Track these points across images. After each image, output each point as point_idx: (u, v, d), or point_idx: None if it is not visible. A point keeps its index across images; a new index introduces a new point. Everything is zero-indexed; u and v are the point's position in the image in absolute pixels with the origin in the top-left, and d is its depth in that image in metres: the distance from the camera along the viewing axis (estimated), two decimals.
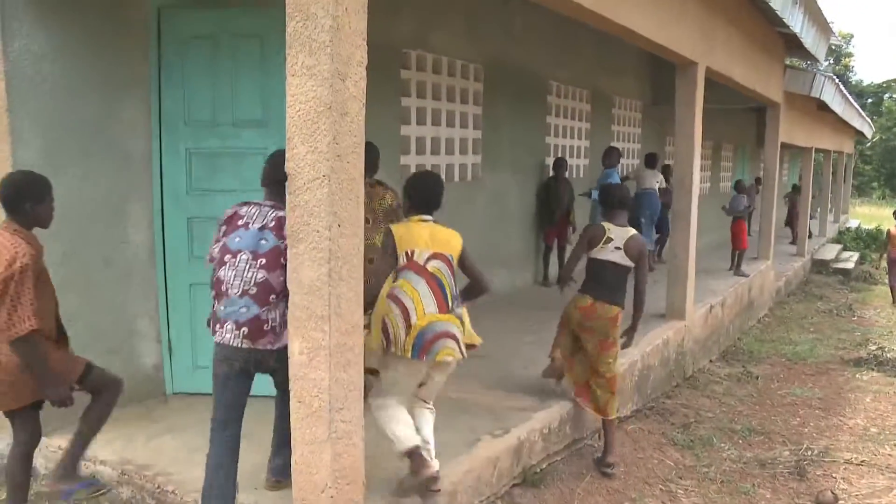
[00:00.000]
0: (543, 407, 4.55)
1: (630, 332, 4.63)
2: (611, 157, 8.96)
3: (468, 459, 3.74)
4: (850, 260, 15.65)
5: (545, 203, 8.67)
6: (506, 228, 8.15)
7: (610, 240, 4.44)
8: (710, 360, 7.55)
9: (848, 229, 21.50)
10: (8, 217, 3.07)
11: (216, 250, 3.16)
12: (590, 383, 4.57)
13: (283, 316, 2.95)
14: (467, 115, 7.32)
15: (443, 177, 6.92)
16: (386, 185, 4.44)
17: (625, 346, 4.68)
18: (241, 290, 3.02)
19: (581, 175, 9.87)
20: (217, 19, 4.36)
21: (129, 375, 3.52)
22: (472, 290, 3.57)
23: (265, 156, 4.33)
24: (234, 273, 3.05)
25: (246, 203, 3.21)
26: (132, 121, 4.23)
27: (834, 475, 4.76)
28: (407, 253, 3.31)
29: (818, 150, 16.76)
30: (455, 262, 3.42)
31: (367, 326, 3.30)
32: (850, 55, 48.45)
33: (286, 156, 2.68)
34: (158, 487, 3.45)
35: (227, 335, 3.05)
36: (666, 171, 10.37)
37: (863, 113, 19.00)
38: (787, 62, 10.85)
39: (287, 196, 2.71)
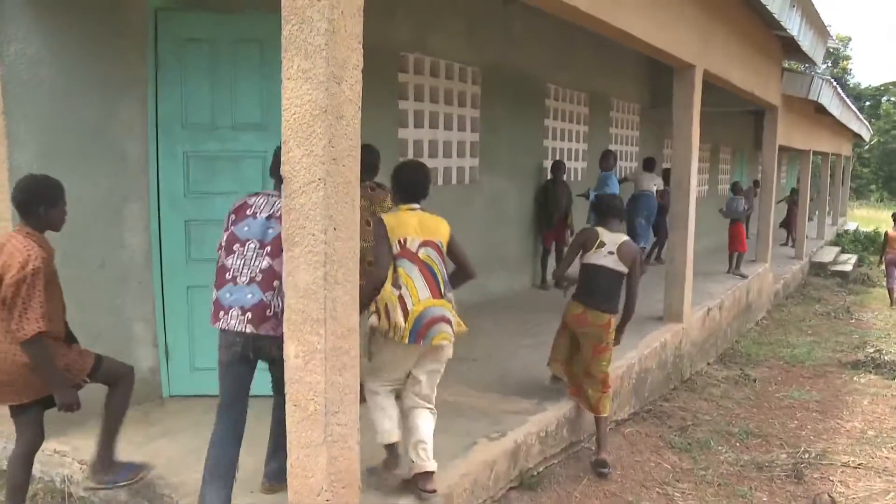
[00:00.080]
0: (540, 410, 4.54)
1: (617, 335, 4.67)
2: (607, 160, 9.13)
3: (464, 463, 3.74)
4: (848, 262, 15.67)
5: (543, 206, 8.68)
6: (504, 231, 8.15)
7: (603, 244, 4.48)
8: (708, 363, 7.55)
9: (846, 232, 21.52)
10: (21, 220, 3.13)
11: (224, 238, 3.22)
12: (582, 384, 4.62)
13: None
14: (465, 119, 7.33)
15: (440, 180, 6.97)
16: (386, 187, 4.44)
17: (613, 344, 4.71)
18: (248, 278, 3.09)
19: (579, 178, 9.88)
20: (215, 23, 4.37)
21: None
22: (459, 276, 3.63)
23: (264, 159, 4.42)
24: (242, 262, 3.12)
25: (255, 194, 3.28)
26: (129, 122, 4.23)
27: (831, 478, 4.76)
28: (400, 241, 3.38)
29: (816, 153, 16.78)
30: (444, 249, 3.50)
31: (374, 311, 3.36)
32: (848, 58, 48.55)
33: (281, 159, 2.68)
34: (154, 491, 3.44)
35: (232, 321, 3.10)
36: (666, 174, 10.40)
37: (860, 116, 19.04)
38: (786, 65, 10.87)
39: (282, 199, 2.71)
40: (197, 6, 4.42)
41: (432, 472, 3.34)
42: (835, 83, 12.77)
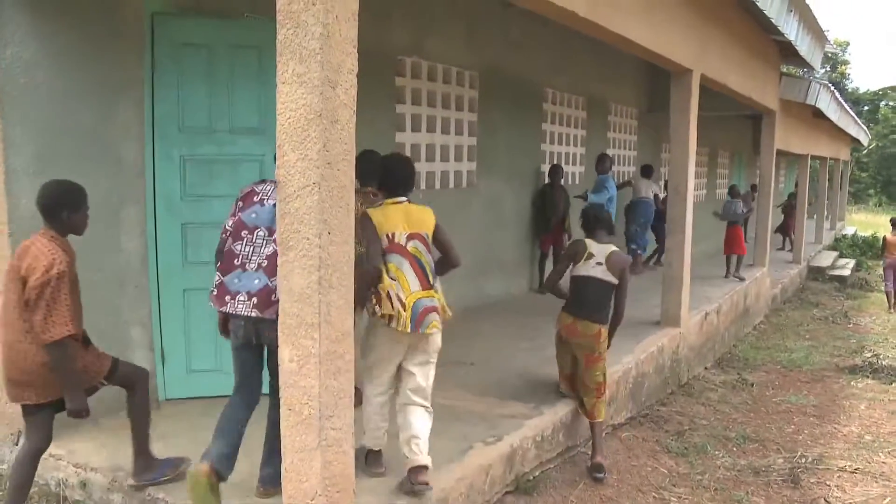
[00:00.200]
0: (537, 414, 4.54)
1: (607, 344, 4.68)
2: (603, 163, 9.18)
3: (460, 467, 3.73)
4: (847, 267, 15.67)
5: (541, 210, 8.68)
6: (501, 235, 8.16)
7: (591, 255, 4.53)
8: (706, 368, 7.55)
9: (844, 236, 21.53)
10: (45, 224, 3.18)
11: (230, 223, 3.32)
12: (578, 388, 4.67)
13: None
14: (462, 122, 7.33)
15: (438, 184, 6.97)
16: None
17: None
18: (256, 264, 3.20)
19: (577, 182, 9.90)
20: (213, 28, 4.40)
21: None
22: (444, 265, 3.69)
23: (261, 162, 4.48)
24: (251, 249, 3.23)
25: (262, 181, 3.38)
26: (126, 125, 4.23)
27: (828, 483, 4.75)
28: (388, 236, 3.45)
29: (814, 158, 16.80)
30: (430, 239, 3.57)
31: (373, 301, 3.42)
32: (846, 63, 48.63)
33: (276, 163, 2.69)
34: (149, 495, 3.44)
35: (239, 306, 3.20)
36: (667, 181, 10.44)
37: (859, 120, 19.06)
38: (784, 70, 10.88)
39: (277, 203, 2.71)
40: (194, 11, 4.43)
41: (425, 466, 3.36)
42: (833, 88, 12.80)
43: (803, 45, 9.16)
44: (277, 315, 3.00)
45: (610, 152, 10.53)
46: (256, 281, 3.17)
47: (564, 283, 4.76)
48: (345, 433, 2.84)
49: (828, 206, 21.19)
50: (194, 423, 4.14)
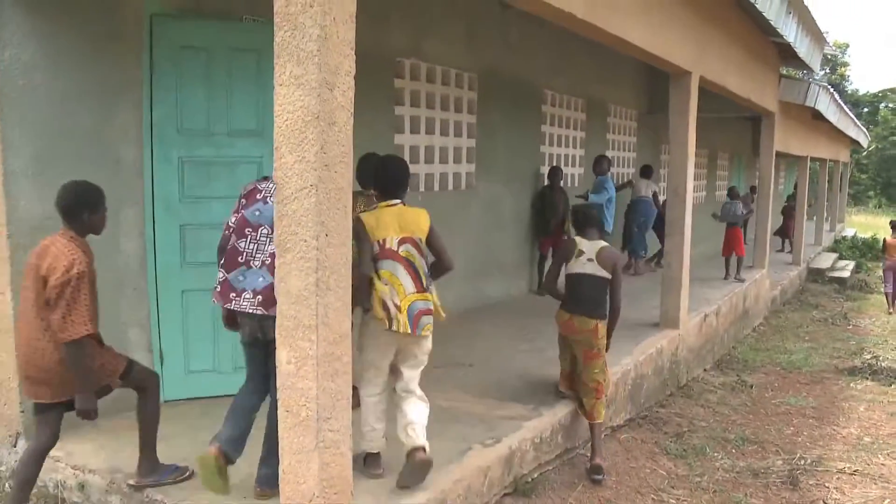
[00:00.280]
0: (536, 416, 4.54)
1: (607, 340, 4.69)
2: (600, 165, 9.23)
3: (459, 468, 3.73)
4: (846, 269, 15.67)
5: (540, 212, 8.68)
6: (500, 237, 8.16)
7: (582, 252, 4.60)
8: (705, 369, 7.54)
9: (844, 238, 21.53)
10: (64, 225, 3.23)
11: (233, 220, 3.36)
12: (578, 388, 4.68)
13: None
14: (461, 124, 7.33)
15: (437, 186, 6.97)
16: None
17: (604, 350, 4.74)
18: (261, 262, 3.24)
19: (576, 184, 9.90)
20: (212, 31, 4.42)
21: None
22: (437, 268, 3.71)
23: (259, 164, 4.51)
24: (255, 246, 3.28)
25: (265, 178, 3.41)
26: (124, 127, 4.23)
27: (827, 485, 4.75)
28: (379, 242, 3.48)
29: (814, 159, 16.80)
30: (423, 243, 3.59)
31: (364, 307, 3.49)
32: (846, 65, 48.65)
33: (274, 165, 2.69)
34: (147, 497, 3.44)
35: (245, 304, 3.24)
36: None
37: (858, 122, 19.07)
38: (783, 72, 10.89)
39: (275, 206, 2.72)
40: (193, 14, 4.43)
41: (422, 448, 3.45)
42: (832, 90, 12.80)
43: (802, 47, 9.17)
44: None
45: (609, 154, 10.56)
46: (261, 279, 3.21)
47: (560, 283, 4.78)
48: (342, 435, 2.84)
49: (827, 207, 21.19)
50: (193, 424, 4.14)
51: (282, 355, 2.75)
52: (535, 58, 8.45)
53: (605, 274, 4.55)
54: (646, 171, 10.67)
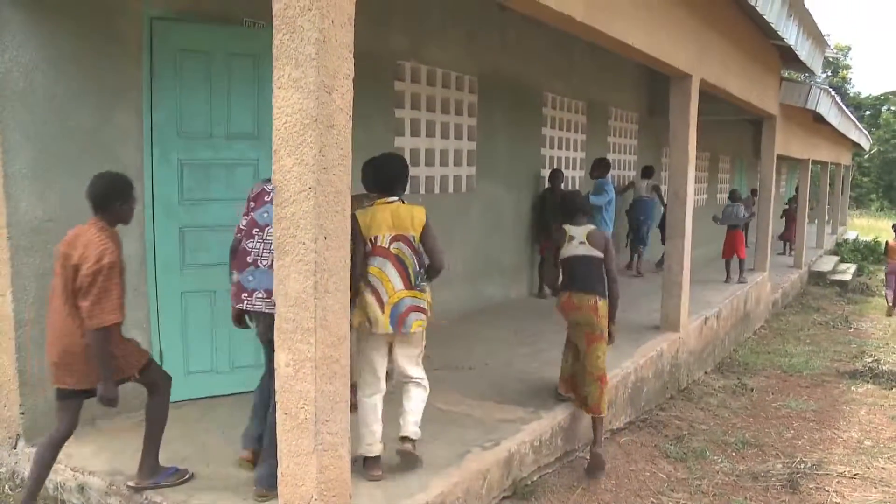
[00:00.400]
0: (535, 418, 4.53)
1: (610, 330, 4.73)
2: (598, 168, 9.27)
3: (457, 471, 3.72)
4: (848, 272, 15.65)
5: (541, 214, 8.68)
6: (501, 240, 8.16)
7: (572, 238, 4.70)
8: (705, 372, 7.54)
9: (845, 241, 21.51)
10: (95, 215, 3.27)
11: (244, 223, 3.46)
12: (580, 384, 4.66)
13: None
14: (462, 127, 7.34)
15: (437, 188, 6.97)
16: None
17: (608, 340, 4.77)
18: (269, 262, 3.28)
19: (577, 187, 9.89)
20: (212, 36, 4.44)
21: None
22: (430, 270, 3.74)
23: (255, 166, 4.52)
24: (263, 246, 3.36)
25: (267, 180, 3.43)
26: (124, 129, 4.24)
27: (827, 488, 4.74)
28: (371, 239, 3.55)
29: (815, 162, 16.79)
30: (416, 241, 3.63)
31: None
32: (848, 67, 48.61)
33: (272, 168, 2.69)
34: (147, 499, 3.44)
35: (258, 303, 3.32)
36: None
37: (860, 125, 19.06)
38: (785, 74, 10.89)
39: (274, 208, 2.72)
40: (193, 17, 4.44)
41: (408, 437, 3.62)
42: (833, 92, 12.80)
43: (803, 50, 9.17)
44: None
45: (610, 157, 10.59)
46: (271, 278, 3.26)
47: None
48: (341, 438, 2.84)
49: (829, 210, 21.18)
50: (191, 427, 4.15)
51: (280, 358, 2.76)
52: (535, 60, 8.46)
53: (598, 254, 4.64)
54: (647, 172, 10.83)
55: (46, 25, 3.87)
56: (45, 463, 3.38)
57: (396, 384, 3.72)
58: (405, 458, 3.62)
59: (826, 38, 10.27)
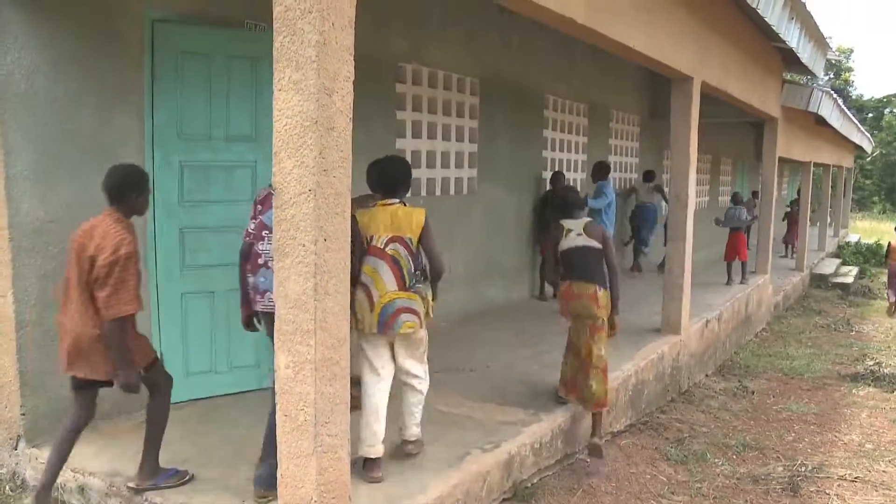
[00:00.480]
0: (535, 421, 4.53)
1: (611, 321, 4.78)
2: (599, 171, 9.31)
3: (457, 473, 3.72)
4: (849, 274, 15.62)
5: (542, 217, 8.68)
6: (502, 241, 8.16)
7: (570, 231, 4.78)
8: (706, 375, 7.53)
9: (847, 244, 21.48)
10: (111, 206, 3.30)
11: (252, 226, 3.51)
12: (581, 381, 4.66)
13: None
14: (463, 129, 7.34)
15: (439, 190, 6.98)
16: None
17: (609, 335, 4.81)
18: None
19: (578, 189, 9.88)
20: (213, 38, 4.46)
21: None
22: (431, 273, 3.77)
23: (253, 168, 4.55)
24: (272, 247, 3.32)
25: None
26: (125, 131, 4.25)
27: (828, 491, 4.74)
28: (367, 238, 3.59)
29: (817, 165, 16.78)
30: (414, 244, 3.65)
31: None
32: (850, 70, 48.55)
33: (273, 170, 2.69)
34: (147, 500, 3.44)
35: (271, 303, 3.28)
36: None
37: (862, 128, 19.04)
38: (787, 77, 10.89)
39: (273, 211, 2.72)
40: (194, 20, 4.45)
41: (408, 440, 3.77)
42: (836, 95, 12.79)
43: (805, 53, 9.17)
44: None
45: (612, 159, 10.61)
46: None
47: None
48: (340, 439, 2.84)
49: (831, 213, 21.15)
50: (191, 428, 4.15)
51: (280, 360, 2.76)
52: (536, 62, 8.46)
53: (596, 244, 4.70)
54: (648, 176, 10.94)
55: (46, 26, 3.88)
56: (63, 453, 3.42)
57: (397, 382, 3.74)
58: (407, 456, 3.70)
59: (828, 40, 10.27)
